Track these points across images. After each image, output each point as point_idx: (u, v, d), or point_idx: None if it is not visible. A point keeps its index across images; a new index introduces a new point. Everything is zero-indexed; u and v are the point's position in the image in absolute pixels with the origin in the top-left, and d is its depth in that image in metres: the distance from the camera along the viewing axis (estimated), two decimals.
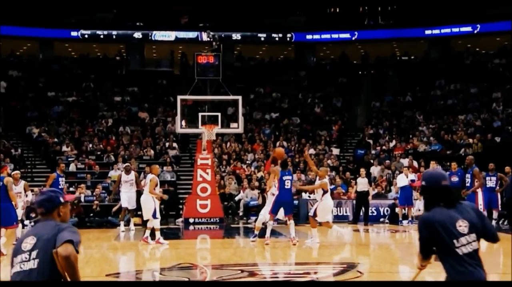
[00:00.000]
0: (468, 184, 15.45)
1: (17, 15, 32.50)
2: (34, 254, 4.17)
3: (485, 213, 17.32)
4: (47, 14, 33.06)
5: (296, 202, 21.11)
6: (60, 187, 17.75)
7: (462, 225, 4.46)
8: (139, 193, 17.47)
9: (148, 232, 14.10)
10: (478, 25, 32.83)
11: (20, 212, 14.66)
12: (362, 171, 20.30)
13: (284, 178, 13.63)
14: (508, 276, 8.50)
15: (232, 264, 11.21)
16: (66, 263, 4.06)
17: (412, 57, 35.88)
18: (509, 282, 7.82)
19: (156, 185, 14.29)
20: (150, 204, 14.17)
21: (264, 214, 14.27)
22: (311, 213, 14.60)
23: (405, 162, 23.59)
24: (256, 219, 15.29)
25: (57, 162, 19.10)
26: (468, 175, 15.50)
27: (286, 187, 13.64)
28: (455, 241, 4.42)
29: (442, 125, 27.27)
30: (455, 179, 16.49)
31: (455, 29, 33.84)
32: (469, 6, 32.88)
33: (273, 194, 13.76)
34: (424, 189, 4.60)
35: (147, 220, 14.39)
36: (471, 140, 24.72)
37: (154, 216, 14.06)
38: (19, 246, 4.26)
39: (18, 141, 26.55)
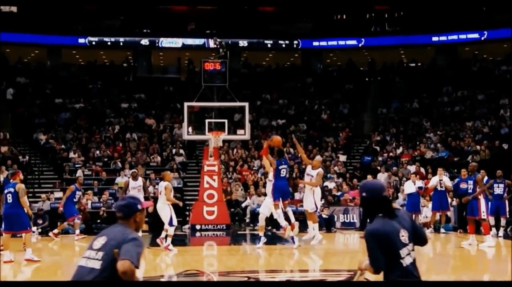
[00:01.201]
0: (470, 190, 15.38)
1: (25, 22, 32.68)
2: (100, 255, 4.47)
3: (492, 220, 17.28)
4: (54, 21, 33.22)
5: (302, 208, 21.12)
6: (75, 199, 17.89)
7: (404, 235, 4.46)
8: (146, 199, 17.51)
9: (169, 240, 14.12)
10: (485, 32, 32.76)
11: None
12: (369, 178, 20.27)
13: (280, 167, 14.06)
14: None
15: (239, 271, 11.19)
16: (123, 276, 4.34)
17: (419, 64, 35.82)
18: (509, 282, 7.78)
19: (171, 191, 14.41)
20: (166, 211, 14.28)
21: (264, 212, 14.34)
22: (312, 208, 14.54)
23: (412, 168, 23.53)
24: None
25: (77, 178, 19.36)
26: (470, 181, 15.42)
27: (282, 175, 14.09)
28: (400, 252, 4.40)
29: (449, 132, 27.19)
30: (464, 186, 16.40)
31: (462, 36, 33.78)
32: (476, 12, 32.83)
33: (270, 181, 14.13)
34: (365, 200, 4.56)
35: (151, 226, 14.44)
36: (478, 147, 24.63)
37: (170, 223, 14.15)
38: (93, 242, 4.58)
39: (26, 147, 26.63)
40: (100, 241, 4.54)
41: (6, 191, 12.70)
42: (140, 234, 17.07)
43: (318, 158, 16.62)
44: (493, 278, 9.63)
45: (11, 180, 13.03)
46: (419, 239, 4.69)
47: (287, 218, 14.40)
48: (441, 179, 18.41)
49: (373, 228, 4.42)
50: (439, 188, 18.37)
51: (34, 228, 17.57)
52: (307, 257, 13.85)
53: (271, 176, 14.21)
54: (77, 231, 17.62)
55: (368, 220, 4.59)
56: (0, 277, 9.97)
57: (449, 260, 13.52)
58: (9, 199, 12.52)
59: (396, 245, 4.37)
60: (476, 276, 10.73)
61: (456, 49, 34.68)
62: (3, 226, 13.20)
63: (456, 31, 33.59)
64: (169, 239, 14.15)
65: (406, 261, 4.42)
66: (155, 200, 19.44)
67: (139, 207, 4.69)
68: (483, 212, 14.91)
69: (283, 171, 14.10)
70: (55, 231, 17.49)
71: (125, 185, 18.13)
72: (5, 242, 12.73)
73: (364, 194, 4.56)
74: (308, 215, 14.69)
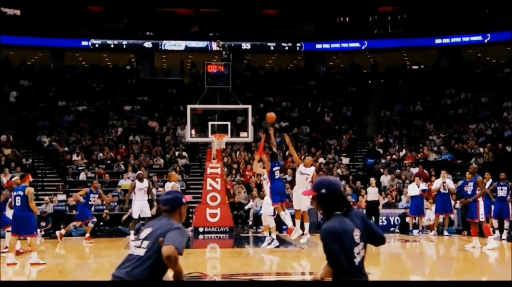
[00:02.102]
0: (470, 192, 15.37)
1: (28, 25, 32.75)
2: (145, 243, 4.76)
3: (496, 223, 17.25)
4: (58, 24, 33.29)
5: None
6: (90, 202, 17.91)
7: (357, 234, 4.41)
8: (150, 201, 17.54)
9: None
10: (489, 34, 32.74)
11: None
12: (372, 180, 20.27)
13: (274, 169, 14.22)
14: None
15: (242, 273, 11.18)
16: (167, 261, 4.62)
17: (422, 66, 35.79)
18: (509, 282, 7.75)
19: None
20: None
21: (265, 212, 14.38)
22: (307, 206, 14.53)
23: (415, 170, 23.51)
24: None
25: (92, 182, 19.43)
26: (471, 183, 15.41)
27: (276, 176, 14.28)
28: (354, 250, 4.35)
29: (452, 135, 27.15)
30: (468, 188, 16.36)
31: (466, 38, 33.77)
32: (479, 15, 32.80)
33: (265, 179, 14.35)
34: (324, 196, 4.49)
35: None
36: (482, 149, 24.59)
37: None
38: (140, 233, 4.92)
39: (29, 150, 26.66)
40: (146, 231, 4.83)
41: (15, 194, 12.67)
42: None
43: (309, 157, 16.66)
44: (495, 280, 9.60)
45: (20, 183, 12.99)
46: (374, 238, 4.60)
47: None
48: (445, 182, 18.39)
49: (330, 225, 4.35)
50: (442, 191, 18.34)
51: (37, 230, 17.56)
52: (310, 259, 13.82)
53: (265, 175, 14.37)
54: (87, 235, 17.60)
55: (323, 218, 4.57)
56: (0, 277, 9.97)
57: (453, 263, 13.49)
58: (18, 202, 12.49)
59: (351, 243, 4.33)
60: (480, 279, 10.71)
61: (459, 51, 34.66)
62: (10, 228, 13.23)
63: (459, 33, 33.59)
64: None
65: (357, 260, 4.36)
66: (157, 202, 19.51)
67: (184, 200, 5.00)
68: (482, 214, 14.89)
69: (277, 173, 14.28)
70: (62, 231, 17.45)
71: (132, 187, 18.13)
72: (11, 245, 12.73)
73: (323, 191, 4.48)
74: (304, 213, 14.66)
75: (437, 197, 18.60)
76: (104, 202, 19.93)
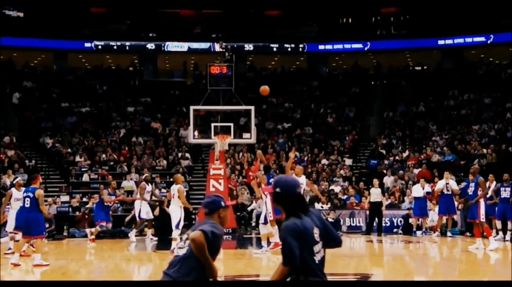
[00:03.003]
0: (471, 193, 15.36)
1: (32, 27, 32.80)
2: (187, 243, 4.92)
3: (499, 224, 17.22)
4: (61, 25, 33.34)
5: None
6: (107, 204, 17.87)
7: (316, 233, 4.43)
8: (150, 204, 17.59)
9: (174, 244, 14.14)
10: (492, 35, 32.71)
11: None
12: (375, 181, 20.24)
13: (271, 180, 14.03)
14: None
15: (245, 275, 11.18)
16: (193, 246, 4.77)
17: (425, 67, 35.75)
18: (509, 282, 7.73)
19: (184, 193, 14.61)
20: (177, 214, 14.39)
21: (264, 224, 14.31)
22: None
23: (418, 171, 23.49)
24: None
25: (110, 183, 19.41)
26: (472, 184, 15.39)
27: None
28: (314, 248, 4.37)
29: (455, 136, 27.11)
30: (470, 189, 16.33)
31: (469, 39, 33.74)
32: (482, 16, 32.76)
33: (265, 194, 14.19)
34: (278, 196, 4.50)
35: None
36: (485, 150, 24.55)
37: (177, 226, 14.22)
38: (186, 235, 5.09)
39: (32, 151, 26.69)
40: (188, 232, 5.02)
41: (24, 195, 12.67)
42: (151, 237, 17.08)
43: (299, 166, 16.62)
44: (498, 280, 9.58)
45: (31, 184, 13.00)
46: (331, 239, 4.62)
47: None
48: (448, 183, 18.36)
49: (292, 223, 4.34)
50: (445, 192, 18.32)
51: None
52: None
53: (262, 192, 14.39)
54: (93, 236, 17.59)
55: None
56: (1, 277, 9.98)
57: (456, 264, 13.47)
58: (27, 203, 12.48)
59: (312, 241, 4.35)
60: (482, 280, 10.69)
61: (462, 52, 34.62)
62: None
63: (462, 34, 33.56)
64: (175, 243, 14.16)
65: (318, 258, 4.40)
66: (160, 203, 19.54)
67: (223, 204, 5.12)
68: (482, 215, 14.86)
69: None
70: (92, 237, 17.38)
71: (142, 189, 18.22)
72: (19, 245, 12.75)
73: (277, 190, 4.49)
74: None
75: (440, 198, 18.57)
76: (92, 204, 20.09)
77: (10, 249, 14.36)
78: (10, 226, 14.49)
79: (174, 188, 14.55)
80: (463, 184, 18.58)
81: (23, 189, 14.39)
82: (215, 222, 5.05)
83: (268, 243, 14.22)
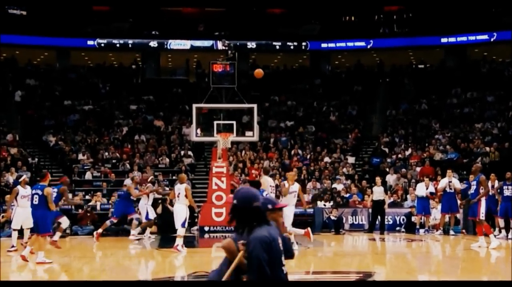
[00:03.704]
0: (472, 191, 15.37)
1: (34, 25, 32.84)
2: None
3: (502, 222, 17.21)
4: (64, 23, 33.37)
5: (311, 210, 21.15)
6: (132, 197, 17.84)
7: (280, 243, 4.31)
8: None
9: (179, 241, 14.18)
10: (495, 33, 32.64)
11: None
12: (378, 180, 20.23)
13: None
14: None
15: None
16: (223, 250, 4.51)
17: (428, 65, 35.71)
18: (509, 282, 7.73)
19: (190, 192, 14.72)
20: (183, 213, 14.46)
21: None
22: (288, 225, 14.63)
23: (419, 170, 23.48)
24: None
25: (133, 178, 19.42)
26: (473, 183, 15.40)
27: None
28: (282, 259, 4.22)
29: (458, 134, 27.08)
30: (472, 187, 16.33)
31: (472, 37, 33.67)
32: (485, 14, 32.70)
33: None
34: (235, 208, 4.32)
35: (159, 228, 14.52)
36: (488, 148, 24.53)
37: (183, 225, 14.29)
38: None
39: (35, 149, 26.73)
40: None
41: (33, 192, 12.73)
42: (149, 235, 17.13)
43: (290, 173, 16.67)
44: (501, 280, 9.57)
45: (40, 182, 13.05)
46: (286, 250, 4.54)
47: None
48: (450, 181, 18.36)
49: (262, 235, 4.16)
50: (448, 190, 18.32)
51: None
52: (315, 258, 13.83)
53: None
54: (133, 231, 17.61)
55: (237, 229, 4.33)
56: (0, 276, 9.99)
57: (459, 262, 13.46)
58: (35, 200, 12.53)
59: (279, 252, 4.20)
60: (485, 278, 10.68)
61: (465, 50, 34.57)
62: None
63: (465, 32, 33.50)
64: (179, 240, 14.20)
65: (285, 269, 4.24)
66: (163, 201, 19.56)
67: (270, 206, 4.81)
68: (482, 213, 14.86)
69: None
70: (99, 230, 17.32)
71: (154, 191, 18.36)
72: (33, 243, 12.78)
73: (235, 201, 4.33)
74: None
75: (443, 196, 18.57)
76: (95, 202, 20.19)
77: (13, 246, 14.39)
78: (16, 223, 14.54)
79: (180, 187, 14.58)
80: (464, 185, 18.60)
81: (28, 186, 14.49)
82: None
83: None
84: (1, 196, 20.80)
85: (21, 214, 14.27)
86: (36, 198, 12.52)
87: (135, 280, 9.63)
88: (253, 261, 4.11)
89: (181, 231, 14.30)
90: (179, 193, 14.58)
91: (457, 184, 18.50)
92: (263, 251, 4.09)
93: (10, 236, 18.32)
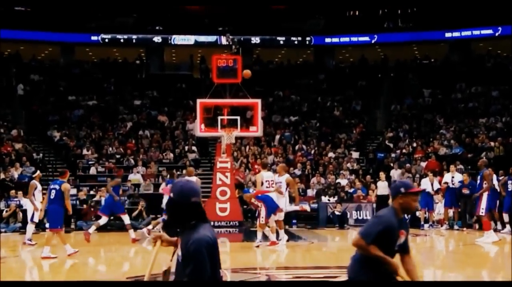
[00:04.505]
0: (477, 187, 15.40)
1: (39, 20, 32.86)
2: None
3: (507, 217, 17.16)
4: (68, 19, 33.38)
5: (315, 205, 21.14)
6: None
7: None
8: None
9: None
10: (500, 28, 32.53)
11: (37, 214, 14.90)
12: (382, 175, 20.22)
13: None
14: None
15: (252, 267, 11.19)
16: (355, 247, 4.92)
17: (432, 60, 35.62)
18: (509, 282, 7.72)
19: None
20: None
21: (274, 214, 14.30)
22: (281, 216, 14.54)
23: (425, 165, 23.43)
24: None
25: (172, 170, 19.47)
26: (478, 177, 15.41)
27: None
28: (219, 261, 3.91)
29: (463, 129, 27.03)
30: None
31: (476, 32, 33.57)
32: (490, 8, 32.57)
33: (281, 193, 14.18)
34: (171, 202, 3.93)
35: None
36: (492, 143, 24.47)
37: None
38: None
39: (39, 145, 26.78)
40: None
41: (51, 187, 12.89)
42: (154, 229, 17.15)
43: (282, 164, 16.55)
44: (506, 274, 9.56)
45: (59, 178, 13.21)
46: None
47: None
48: (453, 176, 18.35)
49: (206, 235, 3.82)
50: (451, 185, 18.32)
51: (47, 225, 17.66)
52: (320, 253, 13.83)
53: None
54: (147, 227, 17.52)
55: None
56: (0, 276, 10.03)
57: (463, 257, 13.46)
58: (52, 195, 12.69)
59: (219, 253, 3.89)
60: (489, 273, 10.67)
61: (470, 45, 34.46)
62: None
63: (470, 27, 33.40)
64: None
65: (222, 271, 3.96)
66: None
67: (403, 190, 5.01)
68: (482, 209, 14.85)
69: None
70: (150, 227, 17.26)
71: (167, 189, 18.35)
72: (63, 239, 12.88)
73: (172, 195, 3.94)
74: (279, 222, 14.63)
75: (446, 191, 18.59)
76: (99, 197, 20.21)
77: (30, 240, 14.56)
78: (36, 216, 14.84)
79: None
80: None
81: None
82: (395, 207, 5.00)
83: (277, 235, 14.25)
84: (5, 191, 20.87)
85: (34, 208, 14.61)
86: (53, 192, 12.68)
87: (134, 280, 9.64)
88: (196, 263, 3.74)
89: None
90: None
91: (457, 179, 18.46)
92: (207, 254, 3.76)
93: (15, 231, 18.51)
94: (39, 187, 14.88)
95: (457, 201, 18.48)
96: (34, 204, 14.62)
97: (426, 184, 19.48)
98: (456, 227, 18.46)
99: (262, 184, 14.19)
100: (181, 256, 3.89)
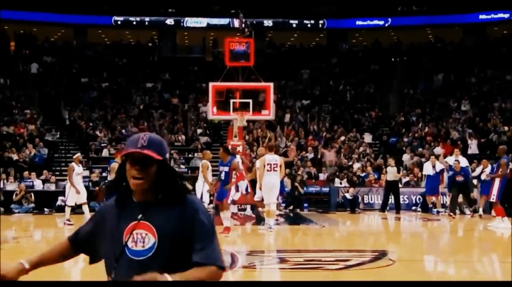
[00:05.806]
0: (491, 171, 15.36)
1: (52, 2, 32.87)
2: None
3: None
4: (81, 0, 33.38)
5: (327, 189, 21.15)
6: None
7: None
8: None
9: None
10: None
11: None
12: (391, 160, 20.03)
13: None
14: None
15: (263, 250, 11.24)
16: None
17: (447, 44, 35.31)
18: (509, 282, 7.70)
19: (207, 169, 14.40)
20: (199, 189, 14.72)
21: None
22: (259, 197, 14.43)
23: (438, 150, 23.31)
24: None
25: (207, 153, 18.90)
26: (495, 165, 15.33)
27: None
28: None
29: (476, 113, 26.86)
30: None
31: (491, 16, 33.22)
32: None
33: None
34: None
35: None
36: (506, 128, 24.32)
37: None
38: None
39: (52, 126, 26.92)
40: None
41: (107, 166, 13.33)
42: None
43: (261, 148, 16.37)
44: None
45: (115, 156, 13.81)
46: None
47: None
48: (457, 159, 18.25)
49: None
50: (449, 170, 18.28)
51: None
52: (331, 237, 13.86)
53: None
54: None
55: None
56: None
57: (474, 242, 13.44)
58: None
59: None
60: (501, 258, 10.64)
61: (485, 29, 34.13)
62: None
63: (485, 10, 33.04)
64: None
65: None
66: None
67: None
68: (494, 195, 14.75)
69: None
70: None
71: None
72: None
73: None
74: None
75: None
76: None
77: (69, 220, 14.55)
78: (71, 200, 14.86)
79: (200, 163, 14.84)
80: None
81: (80, 165, 15.17)
82: None
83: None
84: (19, 172, 21.03)
85: (75, 190, 14.66)
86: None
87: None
88: (217, 246, 2.84)
89: None
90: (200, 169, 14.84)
91: (462, 163, 18.29)
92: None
93: (28, 211, 18.66)
94: (77, 169, 14.80)
95: (450, 188, 18.11)
96: (74, 186, 14.67)
97: (427, 168, 19.27)
98: (467, 211, 18.41)
99: (264, 167, 13.62)
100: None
